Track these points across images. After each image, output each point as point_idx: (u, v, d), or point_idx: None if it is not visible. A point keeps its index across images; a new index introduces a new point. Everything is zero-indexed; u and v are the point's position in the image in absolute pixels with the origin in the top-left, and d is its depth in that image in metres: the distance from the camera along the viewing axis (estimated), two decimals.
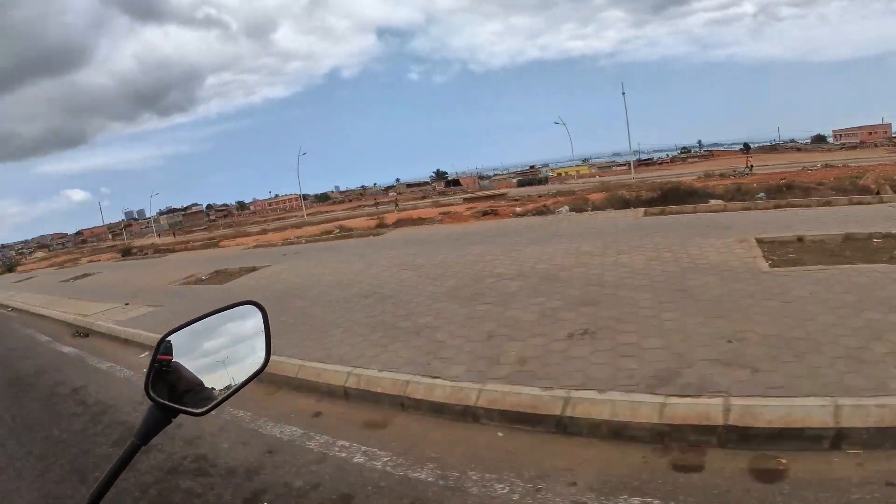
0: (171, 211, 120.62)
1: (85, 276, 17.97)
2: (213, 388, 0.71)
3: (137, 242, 48.13)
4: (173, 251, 25.69)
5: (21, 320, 10.67)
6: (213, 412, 0.69)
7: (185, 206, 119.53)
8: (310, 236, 18.74)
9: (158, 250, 28.65)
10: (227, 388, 0.73)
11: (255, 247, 18.16)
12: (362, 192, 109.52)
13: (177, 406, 0.68)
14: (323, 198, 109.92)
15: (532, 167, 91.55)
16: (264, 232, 30.79)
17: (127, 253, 30.02)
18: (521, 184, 53.54)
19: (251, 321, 0.78)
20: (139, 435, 0.66)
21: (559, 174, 69.18)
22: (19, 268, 36.27)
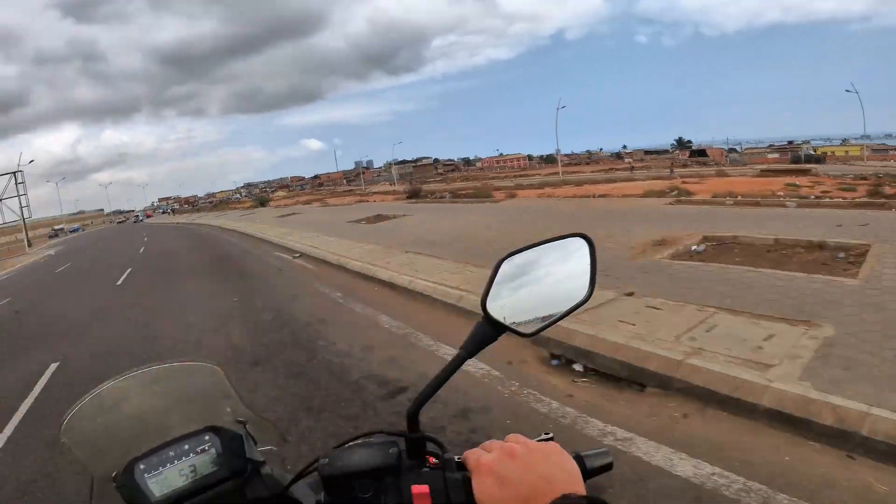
0: (401, 162, 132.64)
1: (393, 217, 17.14)
2: (536, 315, 0.73)
3: (376, 189, 53.26)
4: (484, 196, 23.32)
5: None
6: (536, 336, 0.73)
7: (415, 158, 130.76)
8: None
9: (456, 195, 26.50)
10: (550, 315, 0.74)
11: (672, 204, 13.14)
12: (589, 157, 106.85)
13: (507, 325, 0.69)
14: (549, 159, 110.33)
15: (790, 143, 77.32)
16: (518, 188, 28.19)
17: (415, 195, 29.54)
18: (794, 160, 45.61)
19: (578, 254, 0.78)
20: (467, 347, 0.68)
21: (824, 153, 56.85)
22: (270, 203, 43.89)
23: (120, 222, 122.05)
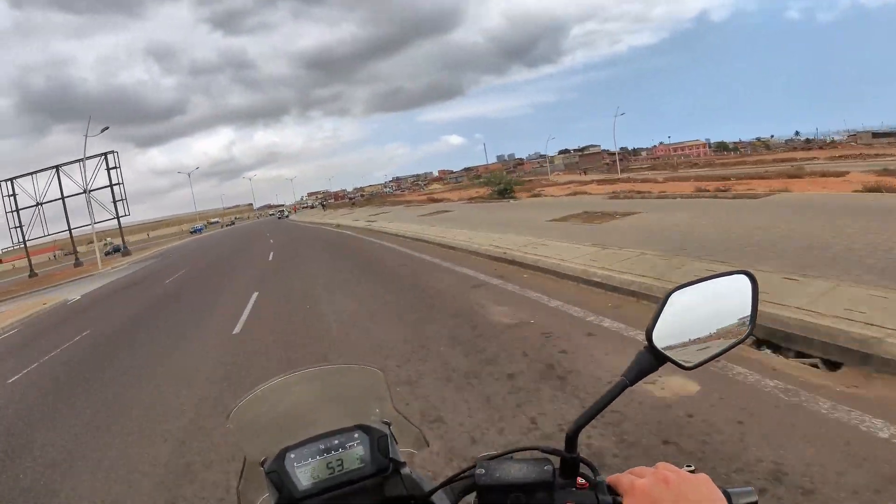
0: (563, 151, 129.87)
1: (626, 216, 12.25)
2: (700, 347, 0.76)
3: (562, 179, 48.93)
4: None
5: None
6: (697, 369, 0.76)
7: (580, 147, 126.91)
8: None
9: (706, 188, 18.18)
10: (709, 349, 0.76)
11: None
12: (765, 144, 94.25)
13: (670, 356, 0.72)
14: (721, 147, 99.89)
15: None
16: (760, 178, 20.69)
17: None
18: None
19: (742, 290, 0.80)
20: (629, 375, 0.71)
21: None
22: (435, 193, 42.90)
23: (259, 217, 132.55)
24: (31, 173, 43.67)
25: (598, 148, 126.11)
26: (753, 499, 0.65)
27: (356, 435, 0.83)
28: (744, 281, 0.81)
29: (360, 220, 31.98)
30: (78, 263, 41.08)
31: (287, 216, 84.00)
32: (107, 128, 37.71)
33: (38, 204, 43.05)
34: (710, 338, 0.76)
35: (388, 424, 0.87)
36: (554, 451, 0.69)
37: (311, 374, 0.98)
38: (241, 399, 0.91)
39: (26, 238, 43.04)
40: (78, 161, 42.81)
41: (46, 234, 41.81)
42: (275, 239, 29.07)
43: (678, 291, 0.76)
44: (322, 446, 0.82)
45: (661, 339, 0.73)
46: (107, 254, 39.15)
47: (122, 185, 46.01)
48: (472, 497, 0.73)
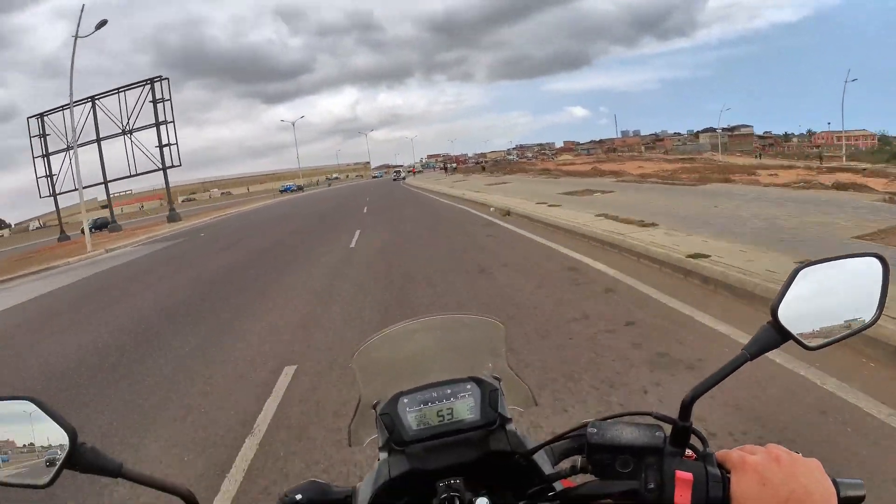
0: (706, 130, 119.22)
1: None
2: (824, 327, 0.75)
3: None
4: None
5: None
6: (823, 349, 0.75)
7: (731, 125, 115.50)
8: None
9: None
10: (832, 331, 0.75)
11: None
12: None
13: (794, 334, 0.72)
14: (884, 141, 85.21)
15: None
16: None
17: None
18: None
19: (871, 274, 0.77)
20: (751, 349, 0.71)
21: None
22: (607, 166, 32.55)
23: (375, 177, 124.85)
24: (62, 108, 33.11)
25: (749, 129, 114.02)
26: (862, 492, 0.63)
27: (468, 386, 0.86)
28: (875, 264, 0.77)
29: (523, 197, 18.31)
30: (64, 238, 32.46)
31: (404, 178, 76.00)
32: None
33: (68, 148, 32.12)
34: (834, 318, 0.74)
35: (499, 380, 0.90)
36: (667, 419, 0.70)
37: (434, 322, 1.04)
38: (364, 342, 0.97)
39: (56, 192, 35.21)
40: (119, 91, 34.43)
41: (79, 186, 27.49)
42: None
43: (806, 269, 0.75)
44: (434, 394, 0.85)
45: (785, 315, 0.72)
46: (94, 229, 30.52)
47: (173, 126, 34.74)
48: (570, 461, 0.75)
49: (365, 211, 22.91)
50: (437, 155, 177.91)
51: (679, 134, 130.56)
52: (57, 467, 0.69)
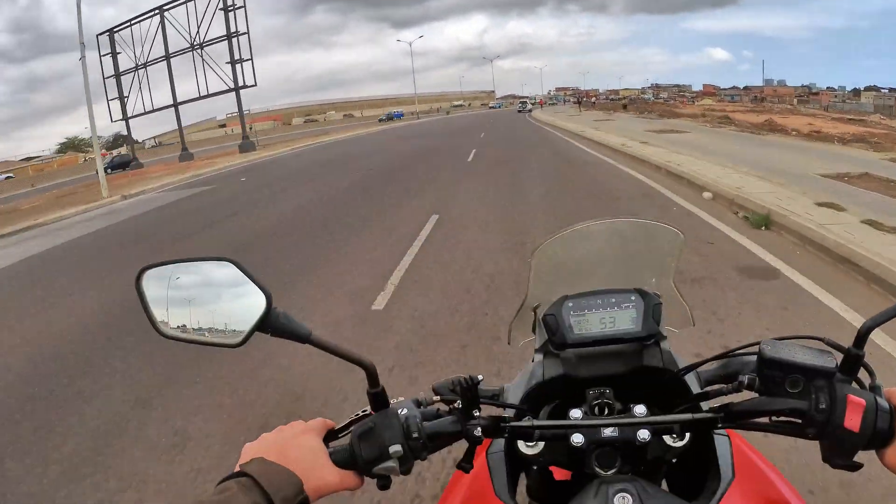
0: (869, 88, 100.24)
1: None
2: None
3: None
4: None
5: None
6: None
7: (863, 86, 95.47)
8: None
9: None
10: None
11: None
12: None
13: None
14: None
15: None
16: None
17: None
18: None
19: None
20: None
21: None
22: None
23: (492, 107, 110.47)
24: (130, 21, 31.41)
25: None
26: None
27: (633, 297, 0.87)
28: None
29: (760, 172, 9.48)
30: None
31: (530, 111, 65.39)
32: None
33: (136, 67, 31.24)
34: None
35: (660, 296, 0.88)
36: (839, 347, 0.68)
37: (611, 227, 1.04)
38: (544, 240, 0.99)
39: (127, 115, 33.41)
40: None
41: (149, 108, 29.28)
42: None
43: None
44: (599, 301, 0.86)
45: None
46: (109, 169, 26.56)
47: (247, 37, 29.85)
48: (736, 380, 0.70)
49: (470, 159, 16.64)
50: (566, 88, 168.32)
51: (832, 89, 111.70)
52: (250, 328, 0.69)
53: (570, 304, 0.86)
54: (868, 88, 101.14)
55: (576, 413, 0.76)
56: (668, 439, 0.75)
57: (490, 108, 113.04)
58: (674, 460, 0.78)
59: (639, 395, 0.78)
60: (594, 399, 0.78)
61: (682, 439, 0.76)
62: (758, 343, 0.67)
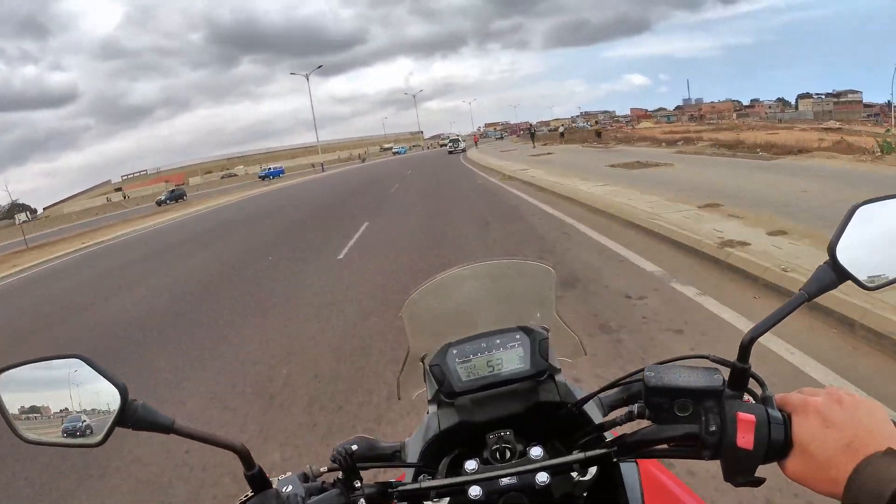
0: (804, 96, 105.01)
1: None
2: (881, 266, 0.70)
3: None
4: None
5: None
6: (881, 290, 0.73)
7: (834, 91, 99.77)
8: None
9: None
10: (892, 268, 0.70)
11: None
12: None
13: (852, 274, 0.67)
14: None
15: None
16: None
17: None
18: None
19: None
20: (809, 289, 0.68)
21: None
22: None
23: (395, 153, 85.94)
24: None
25: (857, 96, 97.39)
26: None
27: (517, 336, 0.85)
28: None
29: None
30: None
31: (463, 151, 52.50)
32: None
33: None
34: (893, 257, 0.71)
35: (547, 330, 0.87)
36: (724, 362, 0.67)
37: (482, 269, 1.01)
38: (413, 291, 0.96)
39: None
40: None
41: None
42: None
43: (864, 206, 0.72)
44: (483, 344, 0.84)
45: (842, 254, 0.69)
46: None
47: None
48: (625, 409, 0.71)
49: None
50: (496, 123, 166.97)
51: (757, 101, 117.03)
52: (109, 425, 0.66)
53: (455, 352, 0.84)
54: (803, 96, 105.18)
55: (471, 465, 0.76)
56: (574, 475, 0.76)
57: (394, 153, 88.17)
58: (584, 494, 0.77)
59: (542, 430, 0.80)
60: (493, 444, 0.77)
61: (586, 474, 0.76)
62: (643, 370, 0.66)
